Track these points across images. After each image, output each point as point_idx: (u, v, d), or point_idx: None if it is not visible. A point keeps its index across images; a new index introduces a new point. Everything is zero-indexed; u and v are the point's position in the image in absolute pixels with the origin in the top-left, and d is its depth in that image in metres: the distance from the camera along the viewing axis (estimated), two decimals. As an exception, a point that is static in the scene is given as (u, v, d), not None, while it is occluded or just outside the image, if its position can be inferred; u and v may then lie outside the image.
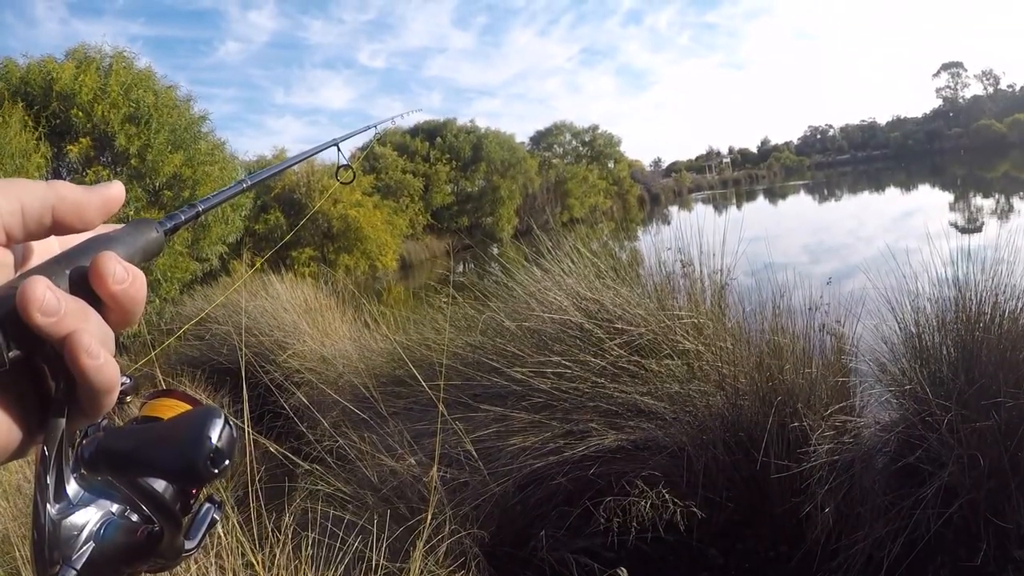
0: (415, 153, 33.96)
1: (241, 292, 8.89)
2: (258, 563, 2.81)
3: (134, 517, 0.51)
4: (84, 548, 0.48)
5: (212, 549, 2.81)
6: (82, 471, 0.50)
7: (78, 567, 0.47)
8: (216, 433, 0.49)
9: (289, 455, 4.04)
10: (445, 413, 3.79)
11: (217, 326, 8.46)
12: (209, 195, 0.75)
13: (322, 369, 6.65)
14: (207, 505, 0.59)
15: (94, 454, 0.50)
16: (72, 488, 0.48)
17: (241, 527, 2.93)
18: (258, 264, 10.85)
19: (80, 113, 13.80)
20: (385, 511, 3.44)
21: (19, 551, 3.08)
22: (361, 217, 22.66)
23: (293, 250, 20.74)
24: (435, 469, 3.43)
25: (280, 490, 3.85)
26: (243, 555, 2.84)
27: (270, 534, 2.96)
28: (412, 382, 4.48)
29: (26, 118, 13.24)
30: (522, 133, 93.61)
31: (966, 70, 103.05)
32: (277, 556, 2.87)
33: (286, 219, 21.89)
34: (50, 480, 0.47)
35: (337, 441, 4.23)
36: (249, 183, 0.96)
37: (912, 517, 3.34)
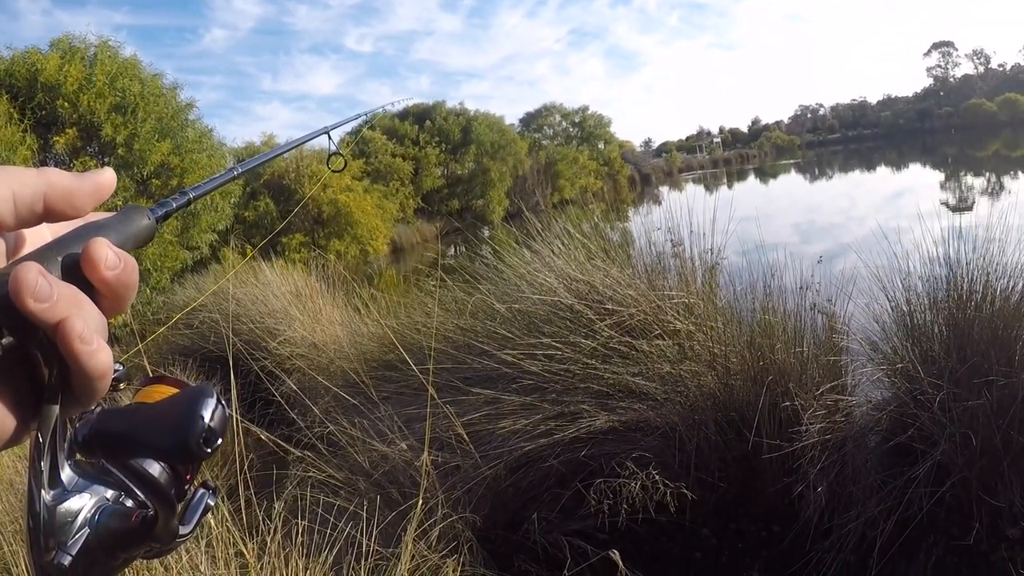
0: (404, 137, 33.89)
1: (228, 275, 8.85)
2: (248, 552, 2.79)
3: (128, 503, 0.51)
4: (79, 534, 0.48)
5: (203, 539, 2.79)
6: (76, 458, 0.50)
7: (73, 553, 0.47)
8: (208, 412, 0.50)
9: (280, 442, 4.02)
10: (435, 396, 3.78)
11: (207, 314, 8.42)
12: (200, 183, 0.77)
13: (313, 355, 6.63)
14: (201, 491, 0.59)
15: (88, 436, 0.51)
16: (67, 474, 0.49)
17: (232, 516, 2.92)
18: (251, 254, 10.81)
19: (66, 104, 13.69)
20: (377, 496, 3.43)
21: (8, 546, 3.06)
22: (351, 202, 22.61)
23: (283, 236, 20.68)
24: (426, 453, 3.42)
25: (272, 478, 3.84)
26: (234, 544, 2.83)
27: (261, 523, 2.95)
28: (403, 366, 4.47)
29: (11, 110, 13.16)
30: (512, 116, 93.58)
31: (957, 49, 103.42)
32: (268, 544, 2.85)
33: (276, 206, 21.82)
34: (44, 467, 0.47)
35: (328, 427, 4.22)
36: (240, 171, 0.97)
37: (904, 496, 3.34)
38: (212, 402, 0.51)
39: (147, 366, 4.27)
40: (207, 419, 0.50)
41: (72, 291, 0.44)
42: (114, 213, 0.53)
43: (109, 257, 0.45)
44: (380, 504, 3.29)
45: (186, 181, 14.25)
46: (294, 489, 3.66)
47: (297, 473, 3.90)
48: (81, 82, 13.84)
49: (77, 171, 0.51)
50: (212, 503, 0.60)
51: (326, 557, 2.91)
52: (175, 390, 0.59)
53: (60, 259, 0.45)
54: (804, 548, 3.54)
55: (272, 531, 2.91)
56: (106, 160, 14.08)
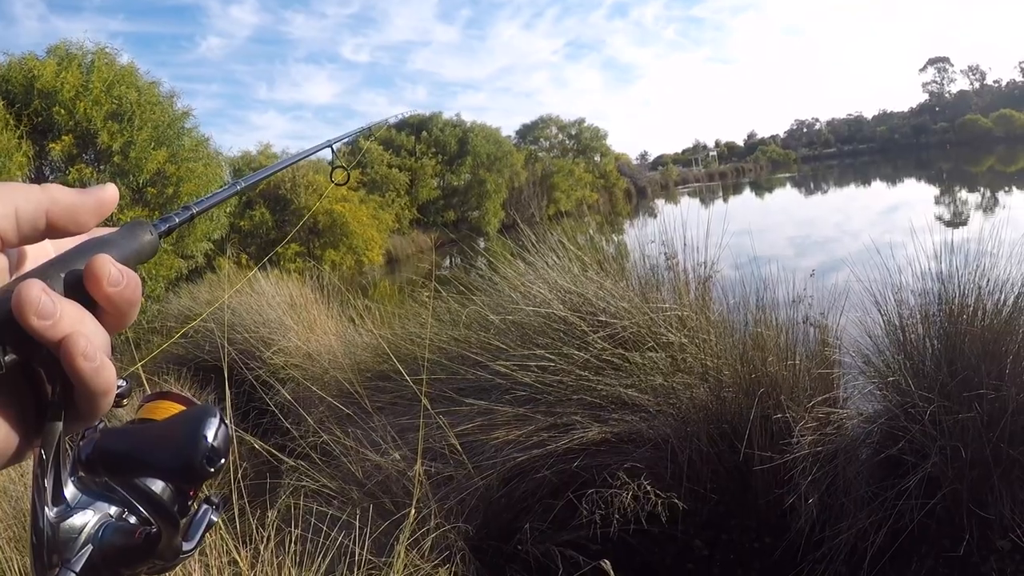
0: (401, 147, 33.84)
1: (225, 289, 8.83)
2: (242, 560, 2.80)
3: (132, 519, 0.52)
4: (83, 550, 0.48)
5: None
6: (80, 474, 0.51)
7: (76, 569, 0.47)
8: (212, 432, 0.50)
9: (274, 452, 4.02)
10: (429, 407, 3.78)
11: (202, 323, 8.41)
12: (203, 197, 0.76)
13: (308, 365, 6.62)
14: (205, 506, 0.60)
15: (91, 455, 0.51)
16: (70, 491, 0.49)
17: (226, 525, 2.92)
18: (253, 271, 10.77)
19: (62, 111, 13.63)
20: (370, 506, 3.43)
21: (2, 552, 3.05)
22: (347, 212, 22.55)
23: (279, 246, 20.65)
24: (419, 463, 3.42)
25: (266, 487, 3.83)
26: (227, 552, 2.83)
27: (254, 532, 2.95)
28: (397, 376, 4.47)
29: (7, 117, 13.10)
30: (508, 127, 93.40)
31: (952, 65, 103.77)
32: (261, 553, 2.85)
33: (272, 215, 21.79)
34: (48, 483, 0.47)
35: (322, 437, 4.22)
36: (243, 185, 0.97)
37: (895, 508, 3.36)
38: (216, 422, 0.51)
39: (143, 376, 4.26)
40: (210, 439, 0.50)
41: (75, 308, 0.44)
42: (117, 228, 0.53)
43: (112, 273, 0.45)
44: (373, 514, 3.28)
45: (182, 189, 14.20)
46: (287, 498, 3.66)
47: (290, 483, 3.90)
48: (78, 89, 13.78)
49: (72, 178, 0.51)
50: (215, 519, 0.60)
51: (319, 566, 2.91)
52: (179, 406, 0.59)
53: (63, 276, 0.45)
54: (796, 559, 3.54)
55: (265, 540, 2.91)
56: (102, 167, 14.04)
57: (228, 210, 16.48)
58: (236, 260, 16.80)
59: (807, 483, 3.50)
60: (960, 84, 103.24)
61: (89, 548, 0.48)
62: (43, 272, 0.45)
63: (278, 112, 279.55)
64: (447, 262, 18.98)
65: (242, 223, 21.06)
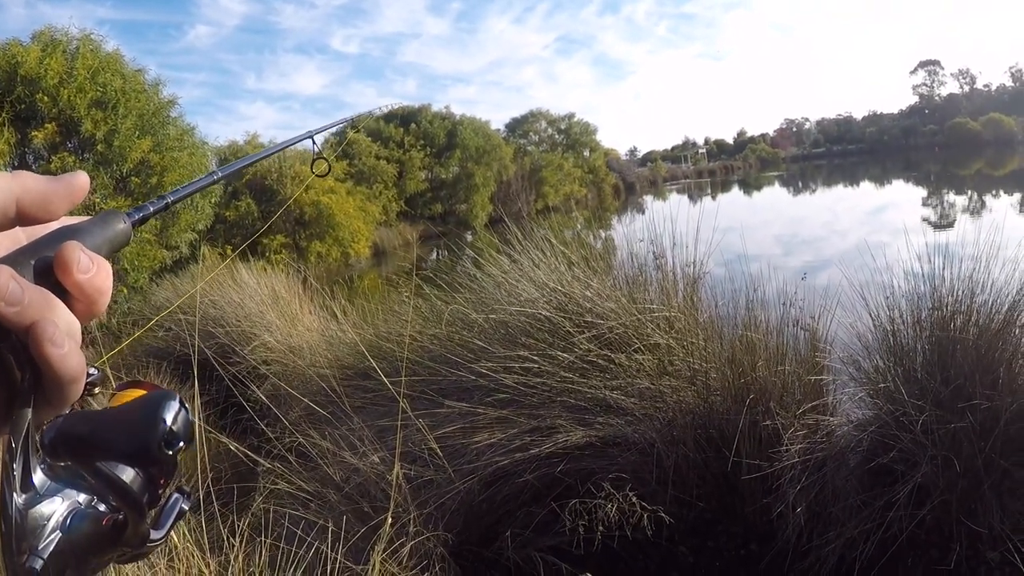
0: (389, 139, 33.81)
1: (204, 284, 8.75)
2: (209, 571, 2.71)
3: (101, 507, 0.51)
4: (51, 538, 0.48)
5: (164, 556, 2.71)
6: (48, 461, 0.50)
7: (45, 557, 0.47)
8: (171, 415, 0.51)
9: (249, 453, 3.94)
10: (407, 408, 3.70)
11: (183, 316, 8.32)
12: (179, 186, 0.79)
13: (289, 361, 6.54)
14: (175, 496, 0.60)
15: (54, 439, 0.50)
16: (39, 478, 0.49)
17: (195, 531, 2.85)
18: (230, 258, 10.68)
19: (45, 98, 13.50)
20: (348, 510, 3.36)
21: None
22: (334, 204, 22.52)
23: (264, 237, 20.57)
24: (397, 467, 3.34)
25: (243, 489, 3.77)
26: (195, 566, 2.75)
27: (226, 541, 2.87)
28: (377, 375, 4.39)
29: (-11, 104, 12.99)
30: (498, 121, 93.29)
31: (943, 68, 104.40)
32: (231, 562, 2.77)
33: (257, 206, 21.71)
34: (16, 470, 0.47)
35: (298, 438, 4.14)
36: (220, 175, 0.97)
37: (885, 518, 3.32)
38: (175, 405, 0.52)
39: (109, 373, 4.16)
40: (169, 422, 0.50)
41: (43, 294, 0.44)
42: (90, 217, 0.53)
43: (82, 261, 0.46)
44: (351, 518, 3.22)
45: (166, 179, 14.11)
46: (263, 502, 3.58)
47: (267, 485, 3.82)
48: (62, 76, 13.65)
49: (55, 167, 0.46)
50: (187, 507, 0.60)
51: (293, 572, 2.84)
52: None
53: (32, 263, 0.45)
54: (783, 568, 3.51)
55: (235, 548, 2.83)
56: (85, 156, 13.92)
57: (213, 200, 16.41)
58: (221, 251, 16.70)
59: (795, 491, 3.45)
60: (950, 87, 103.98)
61: (57, 535, 0.48)
62: (12, 259, 0.45)
63: (266, 102, 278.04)
64: (433, 255, 18.93)
65: (227, 213, 21.00)
